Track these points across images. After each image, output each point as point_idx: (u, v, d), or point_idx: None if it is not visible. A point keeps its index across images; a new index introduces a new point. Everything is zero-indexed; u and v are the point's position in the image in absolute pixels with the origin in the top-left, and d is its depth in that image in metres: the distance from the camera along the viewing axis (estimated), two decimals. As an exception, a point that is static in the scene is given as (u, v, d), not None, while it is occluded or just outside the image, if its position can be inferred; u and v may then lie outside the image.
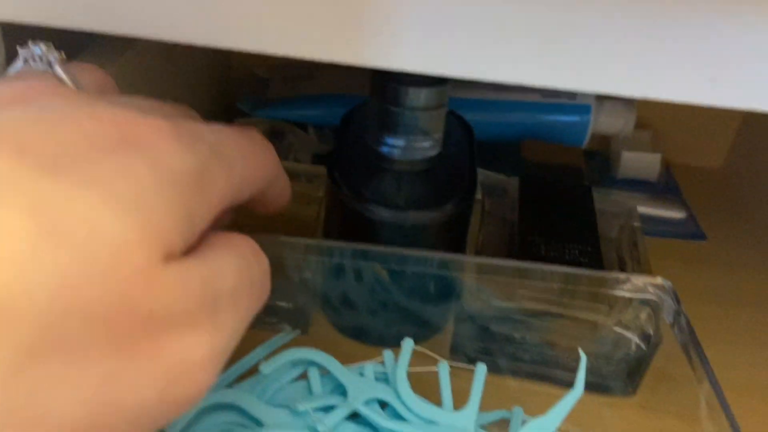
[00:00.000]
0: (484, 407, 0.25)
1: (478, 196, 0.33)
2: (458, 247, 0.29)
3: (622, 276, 0.22)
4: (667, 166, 0.44)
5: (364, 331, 0.27)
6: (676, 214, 0.39)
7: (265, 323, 0.27)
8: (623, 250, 0.31)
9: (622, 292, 0.22)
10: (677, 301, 0.21)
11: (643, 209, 0.39)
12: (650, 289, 0.21)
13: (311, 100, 0.40)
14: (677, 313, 0.21)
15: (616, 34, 0.18)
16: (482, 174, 0.38)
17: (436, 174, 0.27)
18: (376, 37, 0.21)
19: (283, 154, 0.37)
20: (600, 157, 0.44)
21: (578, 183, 0.34)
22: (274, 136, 0.38)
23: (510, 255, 0.30)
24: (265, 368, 0.23)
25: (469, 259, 0.25)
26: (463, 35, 0.20)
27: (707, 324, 0.32)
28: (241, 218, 0.33)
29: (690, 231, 0.39)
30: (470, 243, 0.31)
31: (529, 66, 0.19)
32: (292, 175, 0.35)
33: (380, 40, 0.21)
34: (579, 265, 0.28)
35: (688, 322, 0.20)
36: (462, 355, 0.26)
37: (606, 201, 0.34)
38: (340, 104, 0.38)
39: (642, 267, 0.29)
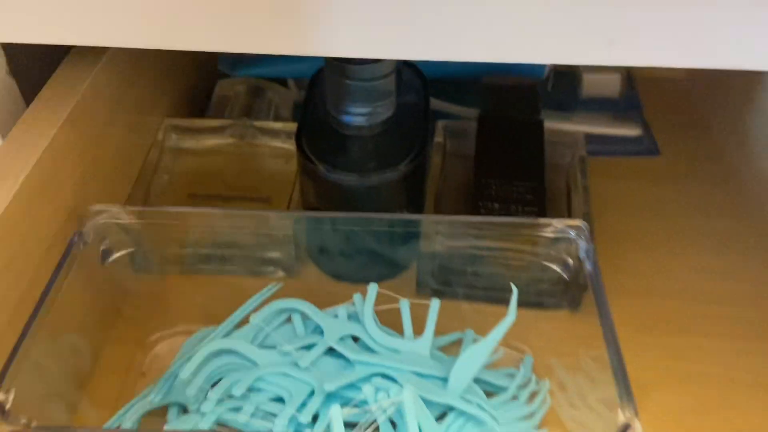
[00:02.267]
0: (445, 331, 0.30)
1: (440, 139, 0.36)
2: (420, 193, 0.33)
3: (546, 221, 0.25)
4: (630, 81, 0.46)
5: (343, 273, 0.32)
6: (632, 131, 0.42)
7: (262, 272, 0.32)
8: (571, 178, 0.34)
9: (548, 234, 0.26)
10: (589, 240, 0.25)
11: (601, 129, 0.42)
12: (570, 230, 0.25)
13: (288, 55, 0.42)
14: (588, 250, 0.25)
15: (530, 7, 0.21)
16: (445, 109, 0.41)
17: (392, 134, 0.30)
18: (314, 28, 0.24)
19: (264, 111, 0.40)
20: (566, 78, 0.46)
21: (533, 117, 0.36)
22: (255, 93, 0.41)
23: (467, 195, 0.33)
24: (254, 319, 0.27)
25: (422, 217, 0.29)
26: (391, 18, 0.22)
27: (650, 235, 0.36)
28: (228, 180, 0.37)
29: (645, 148, 0.41)
30: (433, 185, 0.34)
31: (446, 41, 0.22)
32: (272, 133, 0.38)
33: (318, 30, 0.24)
34: (525, 202, 0.31)
35: (596, 260, 0.24)
36: (426, 288, 0.31)
37: (559, 133, 0.37)
38: (317, 57, 0.40)
39: (585, 195, 0.33)
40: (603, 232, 0.33)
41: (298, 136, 0.30)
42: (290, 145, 0.36)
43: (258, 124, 0.38)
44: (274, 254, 0.31)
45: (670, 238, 0.36)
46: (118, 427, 0.26)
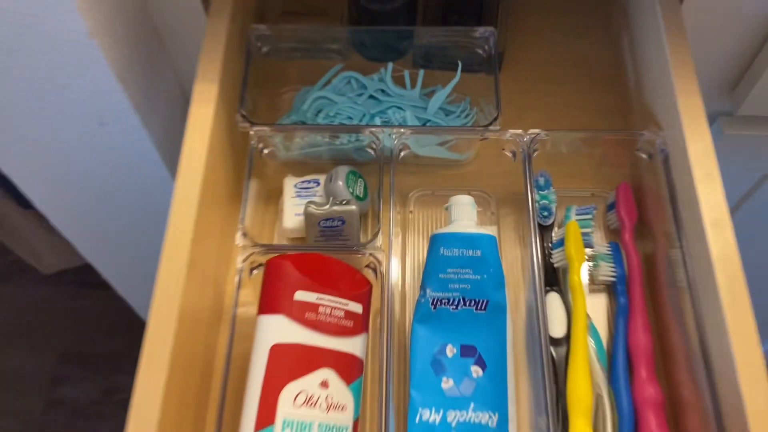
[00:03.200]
0: (427, 85, 0.57)
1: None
2: (414, 13, 0.58)
3: (475, 28, 0.52)
4: None
5: (374, 57, 0.58)
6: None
7: (332, 57, 0.58)
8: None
9: (478, 35, 0.52)
10: (495, 37, 0.51)
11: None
12: (488, 31, 0.52)
13: None
14: (494, 43, 0.51)
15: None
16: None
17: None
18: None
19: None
20: None
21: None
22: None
23: (442, 11, 0.58)
24: (331, 84, 0.55)
25: (414, 28, 0.55)
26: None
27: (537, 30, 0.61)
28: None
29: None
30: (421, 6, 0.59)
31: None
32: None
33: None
34: (469, 13, 0.57)
35: (497, 47, 0.51)
36: (417, 63, 0.58)
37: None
38: None
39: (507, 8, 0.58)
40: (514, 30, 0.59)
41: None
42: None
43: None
44: (336, 46, 0.58)
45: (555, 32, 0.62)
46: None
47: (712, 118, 0.64)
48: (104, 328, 1.42)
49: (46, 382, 1.34)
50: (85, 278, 1.44)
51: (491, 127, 0.49)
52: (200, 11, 0.52)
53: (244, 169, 0.49)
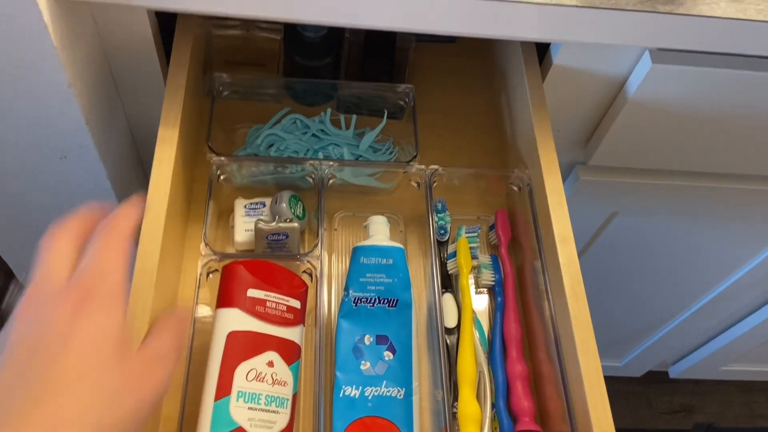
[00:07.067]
0: (359, 127, 0.67)
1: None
2: (338, 67, 0.68)
3: (395, 85, 0.62)
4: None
5: (308, 102, 0.68)
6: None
7: (266, 99, 0.67)
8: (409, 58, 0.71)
9: (397, 91, 0.63)
10: (412, 94, 0.62)
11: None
12: (407, 88, 0.62)
13: None
14: (411, 96, 0.62)
15: None
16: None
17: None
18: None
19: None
20: None
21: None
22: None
23: (362, 65, 0.69)
24: (280, 123, 0.63)
25: (338, 82, 0.65)
26: None
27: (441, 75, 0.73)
28: (228, 52, 0.70)
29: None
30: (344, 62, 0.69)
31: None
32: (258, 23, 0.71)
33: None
34: (384, 71, 0.67)
35: (413, 99, 0.62)
36: (342, 109, 0.67)
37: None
38: None
39: (409, 69, 0.69)
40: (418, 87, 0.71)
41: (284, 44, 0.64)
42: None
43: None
44: (274, 92, 0.67)
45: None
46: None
47: (571, 167, 0.77)
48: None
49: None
50: None
51: (412, 163, 0.59)
52: (154, 62, 0.59)
53: (193, 193, 0.57)
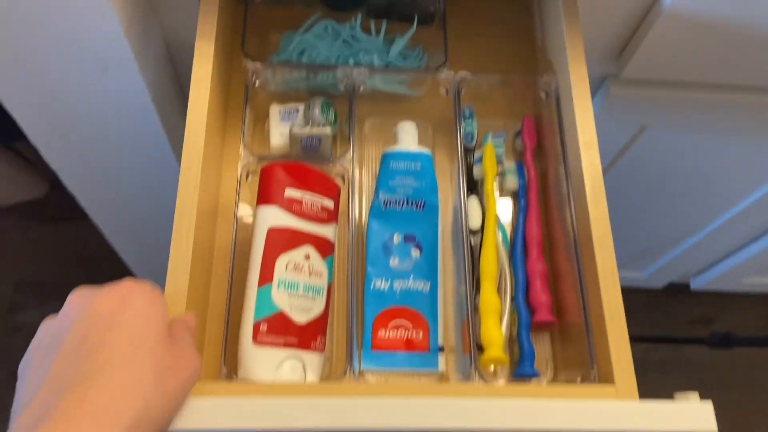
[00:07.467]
0: (390, 33, 0.68)
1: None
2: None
3: None
4: None
5: (341, 6, 0.68)
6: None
7: (303, 4, 0.67)
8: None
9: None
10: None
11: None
12: None
13: None
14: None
15: None
16: None
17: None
18: None
19: None
20: None
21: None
22: None
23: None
24: (311, 30, 0.64)
25: None
26: None
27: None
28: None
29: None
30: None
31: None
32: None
33: None
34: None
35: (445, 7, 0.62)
36: (373, 15, 0.68)
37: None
38: None
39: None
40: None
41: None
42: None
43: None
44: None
45: None
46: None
47: (602, 80, 0.76)
48: (58, 259, 1.45)
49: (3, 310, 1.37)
50: (38, 211, 1.46)
51: (441, 69, 0.61)
52: None
53: (230, 100, 0.59)
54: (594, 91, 0.77)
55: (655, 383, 1.47)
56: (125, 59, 0.61)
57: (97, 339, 0.36)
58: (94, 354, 0.35)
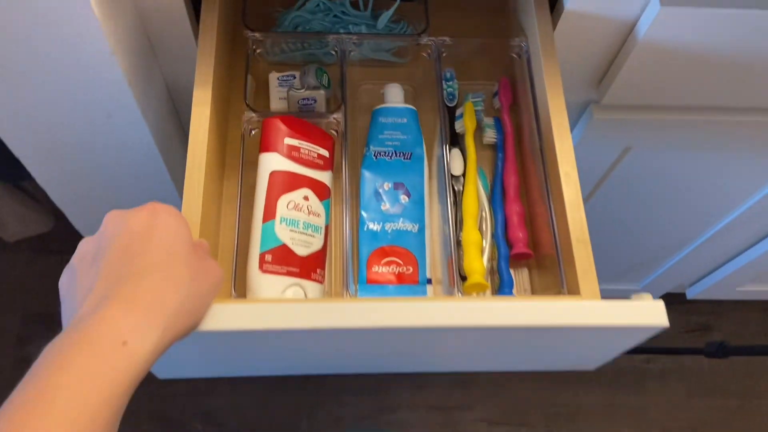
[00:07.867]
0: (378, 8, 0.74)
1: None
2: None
3: None
4: None
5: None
6: None
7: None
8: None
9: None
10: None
11: None
12: None
13: None
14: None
15: None
16: None
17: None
18: None
19: None
20: None
21: None
22: None
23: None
24: (305, 6, 0.71)
25: None
26: None
27: None
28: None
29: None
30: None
31: None
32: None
33: None
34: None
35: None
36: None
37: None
38: None
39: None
40: None
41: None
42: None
43: None
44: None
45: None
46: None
47: (585, 105, 0.80)
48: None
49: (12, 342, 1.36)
50: (44, 244, 1.47)
51: (423, 35, 0.67)
52: (186, 27, 0.64)
53: (234, 70, 0.66)
54: (577, 117, 0.82)
55: (655, 392, 1.46)
56: (128, 104, 0.65)
57: (138, 248, 0.41)
58: (137, 258, 0.40)
